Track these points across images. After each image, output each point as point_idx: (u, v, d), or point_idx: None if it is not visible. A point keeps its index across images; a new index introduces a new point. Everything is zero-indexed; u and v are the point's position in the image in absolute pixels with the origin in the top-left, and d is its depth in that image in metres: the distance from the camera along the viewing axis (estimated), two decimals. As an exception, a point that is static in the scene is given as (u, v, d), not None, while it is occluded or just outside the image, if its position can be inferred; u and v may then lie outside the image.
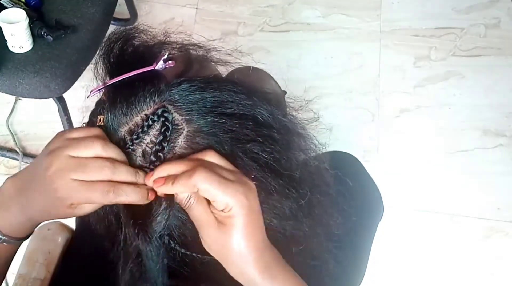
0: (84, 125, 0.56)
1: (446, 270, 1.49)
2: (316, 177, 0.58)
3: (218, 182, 0.46)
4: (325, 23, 1.89)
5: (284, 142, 0.53)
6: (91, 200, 0.49)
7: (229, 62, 0.59)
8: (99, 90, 0.54)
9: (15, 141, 1.60)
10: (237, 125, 0.50)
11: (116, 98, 0.51)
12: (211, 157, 0.48)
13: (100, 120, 0.52)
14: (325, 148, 0.61)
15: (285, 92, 1.31)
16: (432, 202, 1.57)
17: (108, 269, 0.57)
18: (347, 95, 1.74)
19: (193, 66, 0.56)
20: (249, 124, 0.51)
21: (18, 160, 1.57)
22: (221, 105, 0.51)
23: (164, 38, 0.57)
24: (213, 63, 0.59)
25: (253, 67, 1.04)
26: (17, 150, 1.58)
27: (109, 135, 0.52)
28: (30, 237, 0.92)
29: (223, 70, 0.63)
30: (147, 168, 0.51)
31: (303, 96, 0.60)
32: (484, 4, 1.95)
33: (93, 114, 0.54)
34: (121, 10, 1.75)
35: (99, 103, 0.54)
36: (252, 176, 0.51)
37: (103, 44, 0.56)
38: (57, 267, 0.85)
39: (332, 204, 0.60)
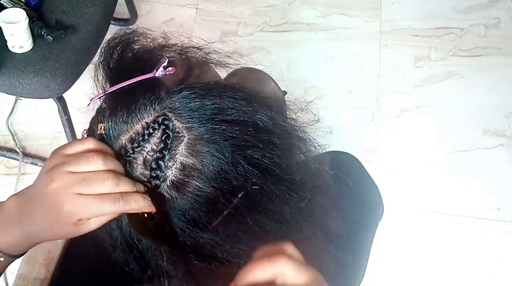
0: (85, 131, 0.56)
1: (446, 270, 1.49)
2: (316, 178, 0.58)
3: (299, 264, 0.44)
4: (325, 23, 1.89)
5: (285, 147, 0.53)
6: (102, 212, 0.49)
7: (229, 64, 0.59)
8: (99, 98, 0.54)
9: (15, 141, 1.60)
10: (237, 132, 0.50)
11: (116, 106, 0.51)
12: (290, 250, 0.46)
13: (100, 128, 0.52)
14: (325, 149, 0.61)
15: (285, 92, 1.31)
16: (432, 202, 1.57)
17: (108, 269, 0.57)
18: (347, 95, 1.74)
19: (193, 72, 0.56)
20: (249, 130, 0.51)
21: (18, 160, 1.57)
22: (221, 112, 0.51)
23: (164, 41, 0.57)
24: (212, 65, 0.59)
25: (252, 68, 1.04)
26: (17, 150, 1.58)
27: (110, 144, 0.52)
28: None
29: (223, 72, 0.63)
30: (147, 178, 0.51)
31: (303, 96, 0.60)
32: (484, 4, 1.95)
33: (93, 122, 0.54)
34: (121, 10, 1.75)
35: (99, 111, 0.54)
36: (253, 182, 0.50)
37: (102, 50, 0.56)
38: (57, 267, 0.85)
39: (332, 205, 0.60)
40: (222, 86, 0.53)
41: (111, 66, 0.55)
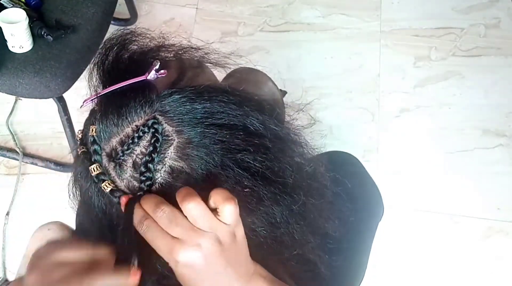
0: (80, 131, 0.56)
1: (446, 270, 1.49)
2: (312, 180, 0.58)
3: (153, 240, 0.48)
4: (325, 23, 1.89)
5: (277, 150, 0.53)
6: None
7: (227, 64, 0.59)
8: (91, 100, 0.54)
9: (15, 141, 1.61)
10: (227, 136, 0.51)
11: (107, 108, 0.52)
12: (188, 208, 0.48)
13: (92, 130, 0.52)
14: (321, 150, 0.61)
15: (285, 92, 1.31)
16: (432, 202, 1.57)
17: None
18: (347, 95, 1.74)
19: (186, 74, 0.56)
20: (240, 134, 0.51)
21: (18, 160, 1.57)
22: (211, 115, 0.51)
23: (161, 42, 0.57)
24: (211, 65, 0.59)
25: (251, 69, 1.04)
26: (17, 150, 1.59)
27: (101, 146, 0.52)
28: (30, 237, 0.92)
29: (222, 72, 0.63)
30: (136, 181, 0.51)
31: (303, 96, 0.61)
32: (484, 4, 1.95)
33: (86, 124, 0.55)
34: (121, 10, 1.75)
35: (92, 113, 0.54)
36: (244, 185, 0.51)
37: (98, 52, 0.56)
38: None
39: (329, 206, 0.60)
40: (213, 89, 0.53)
41: (105, 67, 0.55)
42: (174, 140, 0.50)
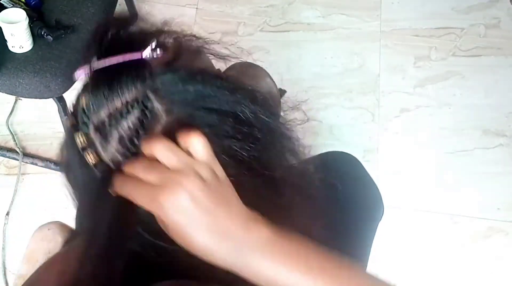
0: (72, 104, 0.56)
1: (446, 270, 1.49)
2: (300, 179, 0.57)
3: (133, 192, 0.47)
4: (325, 23, 1.89)
5: (266, 142, 0.53)
6: None
7: (227, 56, 0.59)
8: (86, 73, 0.54)
9: (15, 141, 1.61)
10: (216, 121, 0.51)
11: (99, 81, 0.51)
12: (156, 149, 0.48)
13: (82, 101, 0.52)
14: (320, 151, 0.61)
15: (284, 91, 1.31)
16: (432, 202, 1.58)
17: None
18: (347, 95, 1.74)
19: (182, 56, 0.56)
20: (229, 121, 0.51)
21: (18, 160, 1.57)
22: (202, 99, 0.51)
23: (163, 27, 0.57)
24: (210, 56, 0.59)
25: (250, 63, 1.04)
26: (17, 150, 1.59)
27: (90, 117, 0.52)
28: (30, 237, 0.92)
29: (222, 68, 0.63)
30: (120, 154, 0.51)
31: (303, 96, 0.61)
32: (484, 4, 1.95)
33: (78, 96, 0.54)
34: (121, 10, 1.75)
35: (84, 86, 0.55)
36: (228, 172, 0.50)
37: (97, 26, 0.55)
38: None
39: (316, 207, 0.60)
40: (207, 73, 0.53)
41: (103, 42, 0.55)
42: (163, 118, 0.50)
